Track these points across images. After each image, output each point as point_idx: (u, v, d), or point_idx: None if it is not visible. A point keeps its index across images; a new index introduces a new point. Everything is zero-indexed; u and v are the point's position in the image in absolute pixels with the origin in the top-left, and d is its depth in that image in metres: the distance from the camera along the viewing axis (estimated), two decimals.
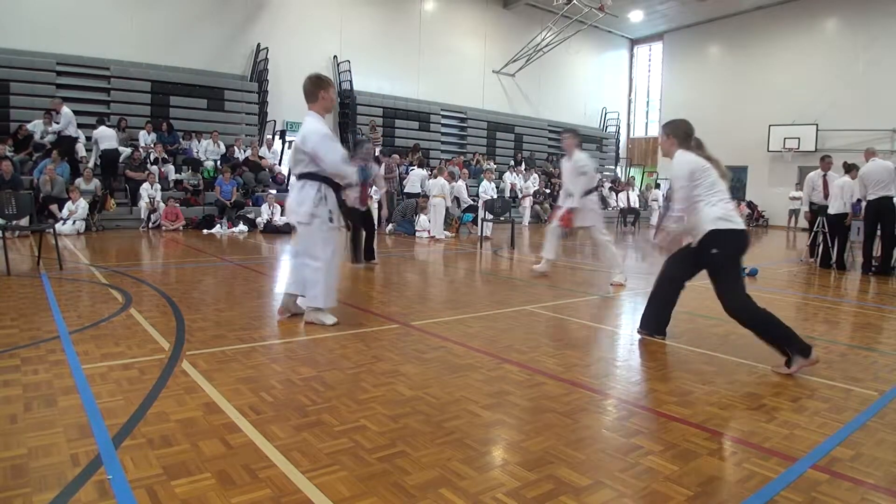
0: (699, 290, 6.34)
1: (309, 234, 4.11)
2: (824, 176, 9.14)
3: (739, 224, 3.50)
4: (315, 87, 4.12)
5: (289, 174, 14.28)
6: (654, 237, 3.54)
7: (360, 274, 6.78)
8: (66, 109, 11.09)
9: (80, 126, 11.74)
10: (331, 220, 4.13)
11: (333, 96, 4.28)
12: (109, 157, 11.63)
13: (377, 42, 17.27)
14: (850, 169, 8.61)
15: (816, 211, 9.10)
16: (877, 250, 8.32)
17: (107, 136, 11.57)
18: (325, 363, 3.30)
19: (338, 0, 16.37)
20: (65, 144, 11.11)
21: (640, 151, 25.41)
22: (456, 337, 3.96)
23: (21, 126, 11.29)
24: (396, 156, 15.13)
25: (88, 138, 11.76)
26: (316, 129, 4.05)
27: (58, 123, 11.06)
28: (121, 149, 12.40)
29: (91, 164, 11.53)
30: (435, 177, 12.73)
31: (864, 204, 8.39)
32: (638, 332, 4.14)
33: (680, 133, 3.73)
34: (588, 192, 6.53)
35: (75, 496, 1.82)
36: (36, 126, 11.36)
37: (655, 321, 4.04)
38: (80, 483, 1.90)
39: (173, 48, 13.83)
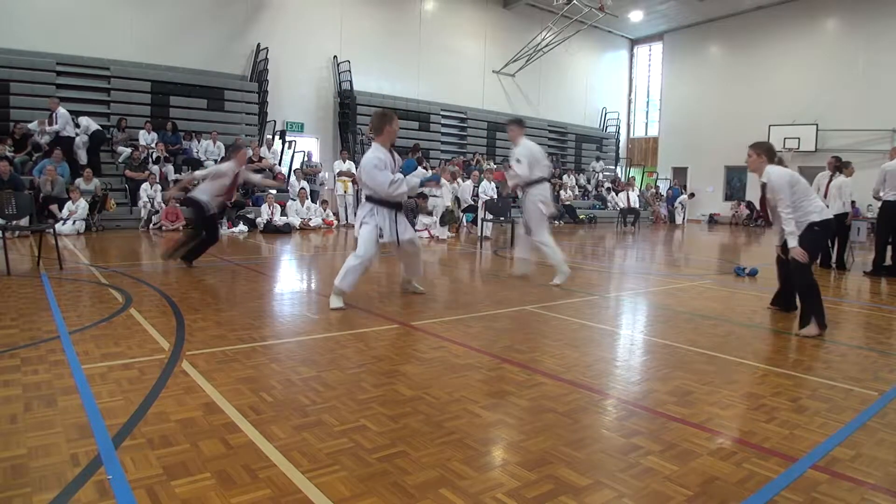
0: (698, 290, 6.34)
1: (360, 237, 4.80)
2: (831, 176, 8.98)
3: (829, 214, 4.51)
4: (380, 122, 4.77)
5: (288, 174, 14.34)
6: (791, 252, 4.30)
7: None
8: (61, 110, 11.09)
9: (78, 126, 11.78)
10: (381, 234, 4.79)
11: (396, 128, 4.88)
12: (98, 138, 11.95)
13: (377, 42, 17.26)
14: (842, 167, 8.51)
15: None
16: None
17: (92, 123, 11.92)
18: (325, 363, 3.30)
19: (338, 0, 16.37)
20: (63, 145, 11.10)
21: (640, 151, 25.40)
22: (456, 337, 3.96)
23: (16, 125, 11.27)
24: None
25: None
26: (368, 160, 4.68)
27: (54, 124, 11.06)
28: (121, 148, 12.43)
29: (83, 149, 11.75)
30: None
31: (880, 202, 8.06)
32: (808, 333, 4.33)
33: (766, 151, 4.62)
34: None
35: (75, 496, 1.82)
36: (35, 126, 11.37)
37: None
38: (80, 483, 1.90)
39: (173, 48, 13.82)
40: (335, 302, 4.72)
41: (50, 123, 11.09)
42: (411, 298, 5.31)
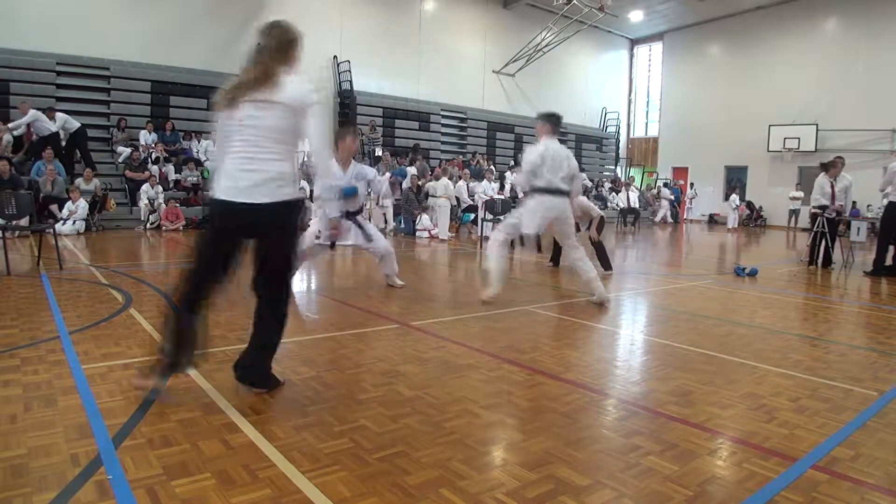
0: (699, 290, 6.33)
1: None
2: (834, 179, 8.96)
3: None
4: (335, 137, 5.12)
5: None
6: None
7: (359, 274, 6.79)
8: (32, 111, 10.97)
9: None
10: (317, 236, 5.19)
11: (350, 144, 5.22)
12: (80, 133, 11.69)
13: (377, 42, 17.26)
14: (828, 167, 8.54)
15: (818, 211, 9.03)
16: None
17: (68, 118, 11.54)
18: (325, 363, 3.30)
19: (338, 0, 16.37)
20: (52, 142, 11.03)
21: (639, 151, 25.41)
22: (456, 337, 3.95)
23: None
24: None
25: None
26: None
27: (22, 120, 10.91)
28: (121, 148, 12.41)
29: (64, 143, 11.50)
30: (438, 178, 12.70)
31: (883, 201, 8.10)
32: None
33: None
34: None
35: (75, 496, 1.82)
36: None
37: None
38: (80, 483, 1.90)
39: (173, 48, 13.82)
40: None
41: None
42: (411, 298, 5.31)
